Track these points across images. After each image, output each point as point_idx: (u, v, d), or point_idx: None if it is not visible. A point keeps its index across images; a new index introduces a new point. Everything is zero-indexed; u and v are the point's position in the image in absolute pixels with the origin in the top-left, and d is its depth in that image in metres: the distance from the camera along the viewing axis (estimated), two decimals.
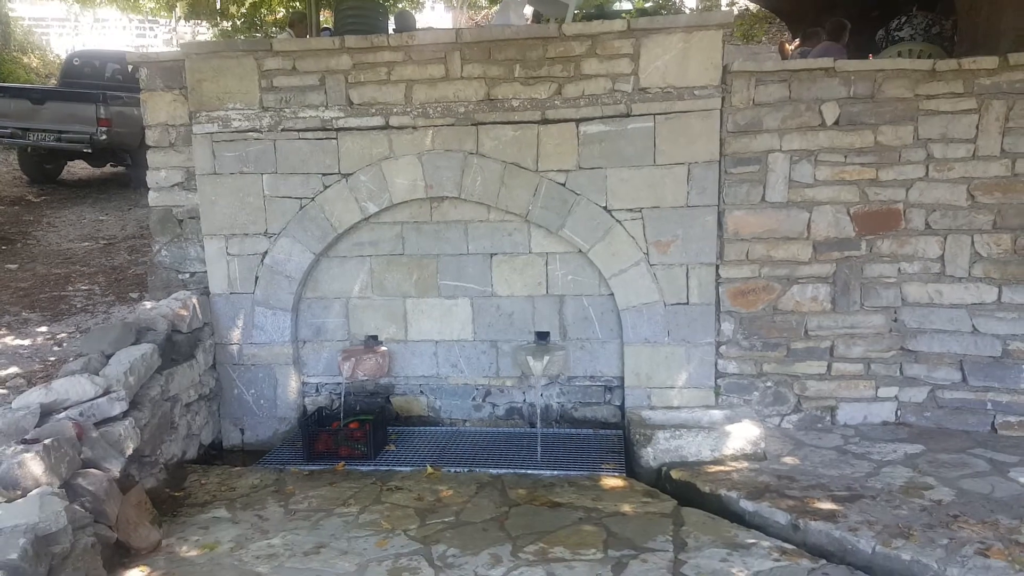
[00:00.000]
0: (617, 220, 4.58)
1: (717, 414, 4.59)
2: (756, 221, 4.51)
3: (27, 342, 5.25)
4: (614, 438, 4.71)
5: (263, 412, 5.02)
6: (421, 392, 5.05)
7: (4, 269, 6.84)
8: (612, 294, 4.69)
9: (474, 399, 5.00)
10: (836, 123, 4.40)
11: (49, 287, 6.25)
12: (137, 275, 6.47)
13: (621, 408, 4.88)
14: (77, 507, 3.00)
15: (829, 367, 4.60)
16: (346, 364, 4.64)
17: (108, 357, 3.96)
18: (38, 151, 10.39)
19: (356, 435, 4.45)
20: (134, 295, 5.94)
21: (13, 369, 4.79)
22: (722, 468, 4.09)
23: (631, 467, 4.31)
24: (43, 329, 5.52)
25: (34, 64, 17.51)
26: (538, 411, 4.53)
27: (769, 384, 4.65)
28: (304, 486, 4.04)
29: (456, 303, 4.90)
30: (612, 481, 4.06)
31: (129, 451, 3.59)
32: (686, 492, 3.97)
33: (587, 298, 4.77)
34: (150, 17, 21.20)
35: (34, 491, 2.86)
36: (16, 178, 11.12)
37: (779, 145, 4.45)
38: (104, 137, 9.59)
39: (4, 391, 4.41)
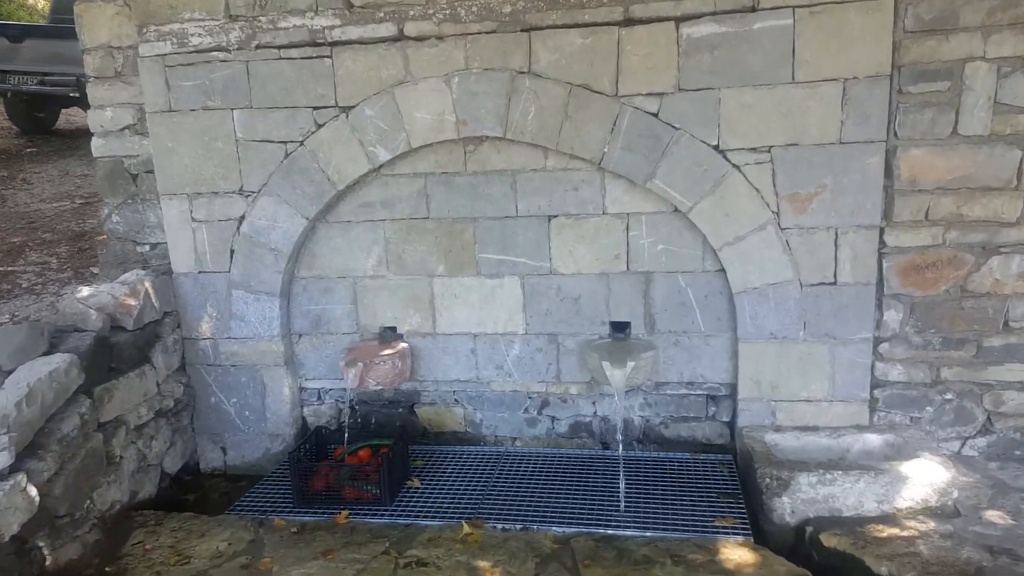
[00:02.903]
0: (734, 165, 3.17)
1: (874, 440, 3.24)
2: (943, 163, 3.06)
3: None
4: (720, 467, 3.40)
5: (249, 427, 3.82)
6: (456, 401, 3.78)
7: None
8: (722, 271, 3.31)
9: (527, 411, 3.72)
10: None
11: None
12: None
13: (730, 426, 3.55)
14: None
15: None
16: (352, 370, 3.37)
17: (7, 375, 2.75)
18: (20, 96, 9.16)
19: (366, 471, 3.21)
20: (96, 269, 4.74)
21: None
22: (897, 531, 2.75)
23: (754, 517, 3.01)
24: None
25: (39, 5, 16.31)
26: (619, 444, 3.22)
27: (949, 396, 3.26)
28: (288, 555, 2.82)
29: (501, 284, 3.57)
30: (734, 551, 2.75)
31: (14, 528, 2.39)
32: (846, 568, 2.66)
33: (685, 276, 3.40)
34: None
35: None
36: (5, 128, 9.98)
37: (982, 50, 2.96)
38: None
39: None
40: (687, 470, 3.40)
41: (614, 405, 3.61)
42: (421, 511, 3.15)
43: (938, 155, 3.05)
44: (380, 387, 3.47)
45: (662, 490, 3.22)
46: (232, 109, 3.51)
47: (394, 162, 3.49)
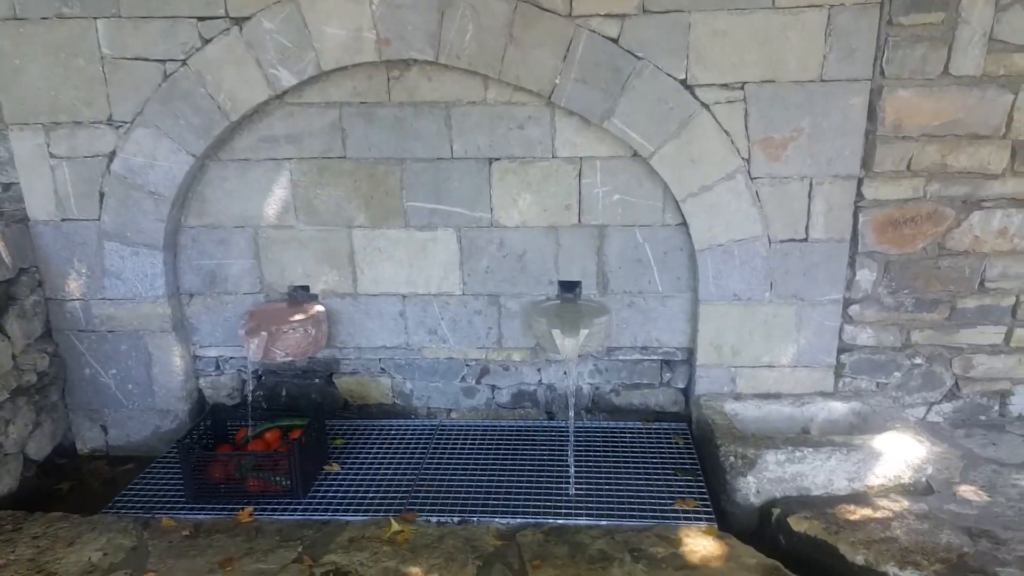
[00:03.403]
0: (703, 104, 2.75)
1: (839, 408, 3.00)
2: (931, 107, 2.74)
3: None
4: (675, 438, 3.11)
5: (134, 402, 3.25)
6: (382, 370, 3.32)
7: None
8: (684, 225, 2.94)
9: (464, 380, 3.30)
10: None
11: None
12: None
13: (685, 393, 3.25)
14: None
15: (1009, 335, 3.01)
16: (254, 340, 2.84)
17: None
18: None
19: (275, 460, 2.72)
20: None
21: None
22: (870, 513, 2.51)
23: (714, 495, 2.72)
24: None
25: None
26: (570, 420, 2.84)
27: (919, 361, 3.04)
28: (178, 567, 2.34)
29: (434, 238, 3.09)
30: (698, 540, 2.45)
31: None
32: (817, 555, 2.41)
33: (643, 231, 3.01)
34: None
35: None
36: None
37: None
38: None
39: None
40: (640, 442, 3.08)
41: (561, 373, 3.24)
42: (341, 503, 2.71)
43: (926, 97, 2.72)
44: (290, 358, 2.97)
45: (615, 467, 2.89)
46: (95, 18, 2.81)
47: (301, 88, 2.90)
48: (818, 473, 2.62)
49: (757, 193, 2.83)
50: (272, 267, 3.17)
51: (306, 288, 3.19)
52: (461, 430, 3.22)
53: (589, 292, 3.10)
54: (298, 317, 3.01)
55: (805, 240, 2.88)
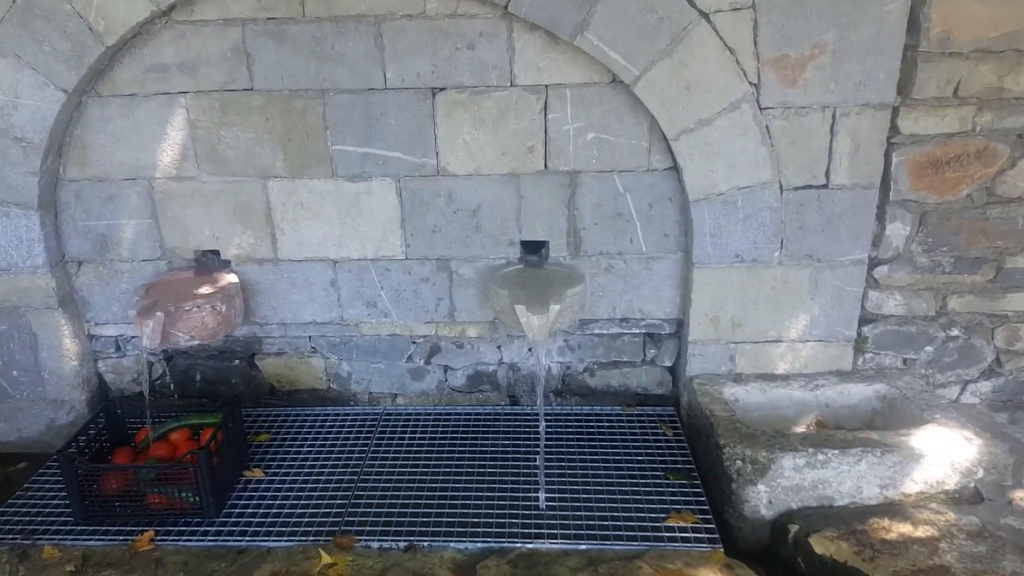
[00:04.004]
0: (701, 12, 2.16)
1: (862, 392, 2.49)
2: (987, 13, 2.16)
3: None
4: (661, 426, 2.60)
5: (21, 392, 2.71)
6: (313, 350, 2.78)
7: None
8: (674, 169, 2.38)
9: (410, 360, 2.76)
10: None
11: None
12: None
13: (672, 371, 2.74)
14: None
15: None
16: (148, 322, 2.27)
17: None
18: None
19: (179, 473, 2.18)
20: None
21: None
22: (910, 529, 2.02)
23: (714, 505, 2.23)
24: None
25: None
26: (541, 415, 2.29)
27: (955, 332, 2.53)
28: None
29: (368, 190, 2.51)
30: (702, 571, 1.96)
31: None
32: None
33: (624, 178, 2.45)
34: None
35: None
36: None
37: None
38: None
39: None
40: (622, 433, 2.58)
41: (526, 351, 2.71)
42: (263, 522, 2.18)
43: (982, 1, 2.14)
44: (197, 342, 2.42)
45: (593, 467, 2.39)
46: None
47: (192, 2, 2.28)
48: (844, 479, 2.12)
49: (768, 128, 2.27)
50: (173, 228, 2.59)
51: (216, 253, 2.62)
52: (408, 418, 2.71)
53: (558, 254, 2.55)
54: (204, 291, 2.45)
55: (825, 187, 2.33)
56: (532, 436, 2.54)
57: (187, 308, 2.36)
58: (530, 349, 2.70)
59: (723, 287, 2.45)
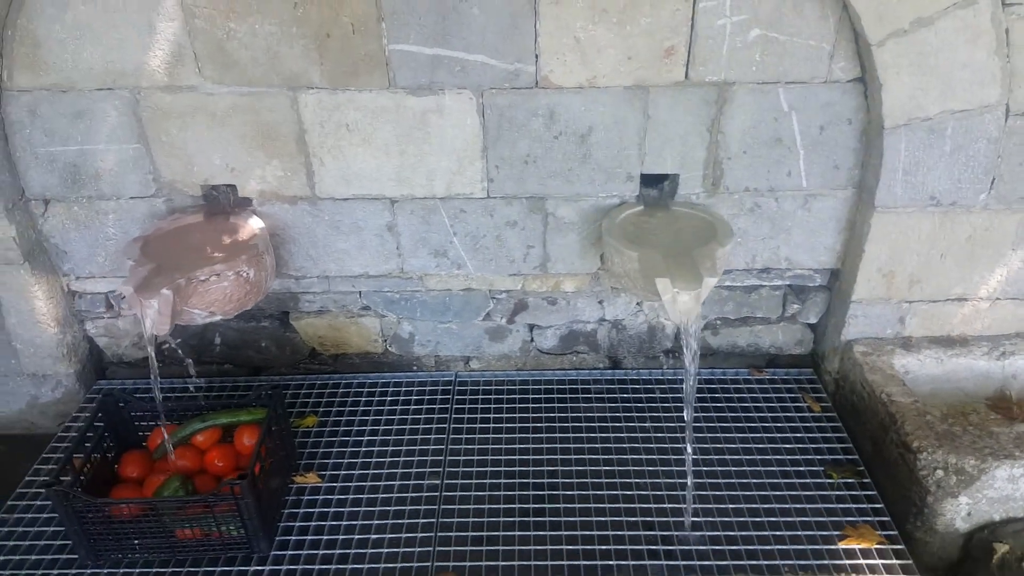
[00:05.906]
0: None
1: None
2: None
3: None
4: (802, 396, 2.14)
5: None
6: (366, 308, 2.20)
7: None
8: (861, 80, 1.75)
9: (489, 318, 2.21)
10: None
11: None
12: None
13: (814, 329, 2.23)
14: None
15: None
16: (151, 303, 1.66)
17: None
18: None
19: (214, 504, 1.66)
20: None
21: None
22: None
23: (896, 517, 1.80)
24: None
25: None
26: (688, 417, 1.74)
27: None
28: None
29: (439, 106, 1.83)
30: None
31: None
32: None
33: (791, 91, 1.80)
34: None
35: None
36: None
37: None
38: None
39: None
40: (755, 403, 2.12)
41: (633, 305, 2.17)
42: (330, 555, 1.71)
43: None
44: (219, 317, 1.83)
45: (722, 450, 1.94)
46: None
47: None
48: None
49: (1007, 32, 1.62)
50: (170, 156, 1.91)
51: (232, 188, 1.97)
52: (489, 386, 2.21)
53: (689, 191, 1.94)
54: (223, 247, 1.82)
55: None
56: (640, 410, 2.07)
57: (203, 278, 1.74)
58: (639, 303, 2.16)
59: (906, 236, 1.90)
